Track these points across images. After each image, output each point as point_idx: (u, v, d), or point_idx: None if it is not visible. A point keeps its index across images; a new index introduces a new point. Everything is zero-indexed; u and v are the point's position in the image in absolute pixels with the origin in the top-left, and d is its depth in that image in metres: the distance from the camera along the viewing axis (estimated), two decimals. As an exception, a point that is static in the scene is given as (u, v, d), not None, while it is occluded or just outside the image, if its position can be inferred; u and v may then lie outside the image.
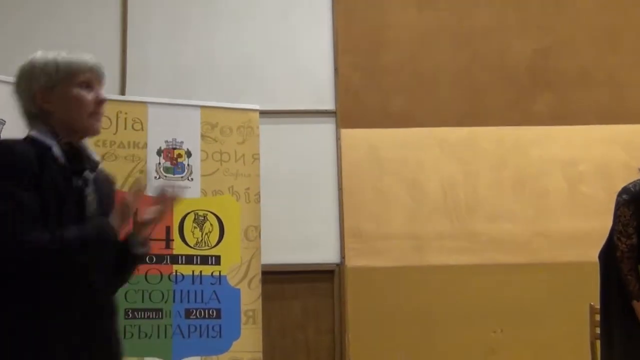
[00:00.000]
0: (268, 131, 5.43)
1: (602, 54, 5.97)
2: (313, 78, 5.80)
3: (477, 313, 5.44)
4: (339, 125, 5.73)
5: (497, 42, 5.97)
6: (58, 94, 2.26)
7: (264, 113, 5.31)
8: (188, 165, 4.94)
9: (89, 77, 2.29)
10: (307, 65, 5.82)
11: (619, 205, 3.60)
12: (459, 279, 5.50)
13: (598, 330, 4.05)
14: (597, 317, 4.06)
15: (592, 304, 4.18)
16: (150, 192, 2.42)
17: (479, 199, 5.67)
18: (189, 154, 4.97)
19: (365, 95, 5.81)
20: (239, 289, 4.81)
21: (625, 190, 3.62)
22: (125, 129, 4.91)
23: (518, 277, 5.50)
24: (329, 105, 5.78)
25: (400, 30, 5.95)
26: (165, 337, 4.65)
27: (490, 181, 5.71)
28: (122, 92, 5.61)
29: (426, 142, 5.75)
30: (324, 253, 5.53)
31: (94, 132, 2.30)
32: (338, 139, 5.71)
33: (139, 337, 4.62)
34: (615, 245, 3.62)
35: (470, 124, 5.79)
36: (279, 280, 5.36)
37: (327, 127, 5.74)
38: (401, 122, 5.76)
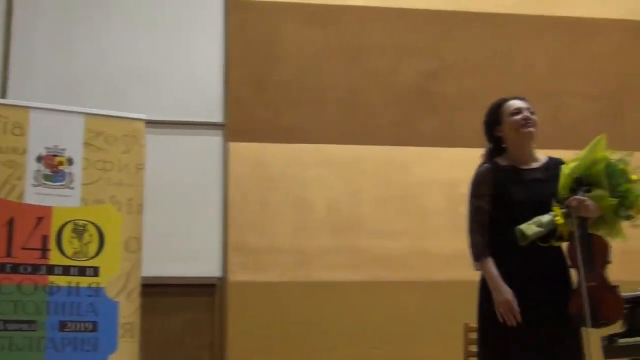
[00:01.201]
0: (155, 142, 5.35)
1: (488, 80, 6.14)
2: (203, 90, 5.76)
3: (358, 329, 5.50)
4: (227, 139, 5.70)
5: (388, 62, 6.08)
6: None
7: (151, 123, 5.22)
8: (69, 173, 4.81)
9: None
10: (197, 76, 5.77)
11: (475, 172, 3.59)
12: (342, 295, 5.54)
13: (472, 349, 4.15)
14: (472, 336, 4.16)
15: (467, 322, 4.28)
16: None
17: (362, 217, 5.74)
18: (70, 161, 4.83)
19: (255, 110, 5.81)
20: (117, 302, 4.69)
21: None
22: (4, 133, 4.73)
23: (399, 294, 5.58)
24: (218, 118, 5.74)
25: (293, 46, 5.98)
26: (38, 350, 4.49)
27: (374, 199, 5.79)
28: (3, 96, 5.42)
29: (314, 158, 5.79)
30: (207, 267, 5.48)
31: None
32: (226, 152, 5.68)
33: (11, 349, 4.45)
34: (468, 212, 3.56)
35: (357, 142, 5.86)
36: (160, 293, 5.27)
37: (215, 140, 5.70)
38: (290, 138, 5.78)
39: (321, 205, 5.72)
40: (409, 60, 6.10)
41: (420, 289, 5.61)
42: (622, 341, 4.32)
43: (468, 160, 5.86)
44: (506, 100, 3.55)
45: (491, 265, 3.41)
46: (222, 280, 5.46)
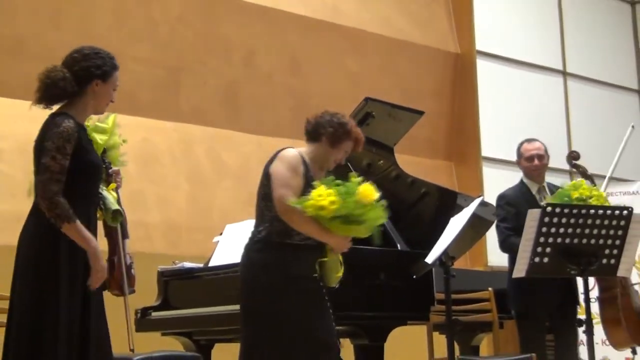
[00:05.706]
0: None
1: (42, 28, 5.67)
2: None
3: None
4: None
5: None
6: None
7: None
8: None
9: None
10: None
11: (59, 126, 3.09)
12: None
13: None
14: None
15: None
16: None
17: None
18: None
19: None
20: None
21: None
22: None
23: None
24: None
25: None
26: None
27: None
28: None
29: None
30: None
31: None
32: None
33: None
34: (45, 167, 3.03)
35: None
36: None
37: None
38: None
39: None
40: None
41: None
42: (155, 314, 4.35)
43: (9, 113, 5.32)
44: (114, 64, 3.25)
45: (82, 227, 3.05)
46: None
